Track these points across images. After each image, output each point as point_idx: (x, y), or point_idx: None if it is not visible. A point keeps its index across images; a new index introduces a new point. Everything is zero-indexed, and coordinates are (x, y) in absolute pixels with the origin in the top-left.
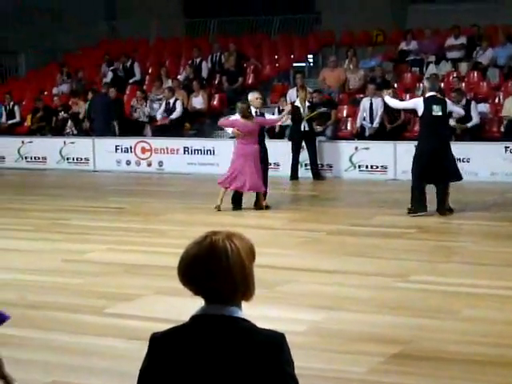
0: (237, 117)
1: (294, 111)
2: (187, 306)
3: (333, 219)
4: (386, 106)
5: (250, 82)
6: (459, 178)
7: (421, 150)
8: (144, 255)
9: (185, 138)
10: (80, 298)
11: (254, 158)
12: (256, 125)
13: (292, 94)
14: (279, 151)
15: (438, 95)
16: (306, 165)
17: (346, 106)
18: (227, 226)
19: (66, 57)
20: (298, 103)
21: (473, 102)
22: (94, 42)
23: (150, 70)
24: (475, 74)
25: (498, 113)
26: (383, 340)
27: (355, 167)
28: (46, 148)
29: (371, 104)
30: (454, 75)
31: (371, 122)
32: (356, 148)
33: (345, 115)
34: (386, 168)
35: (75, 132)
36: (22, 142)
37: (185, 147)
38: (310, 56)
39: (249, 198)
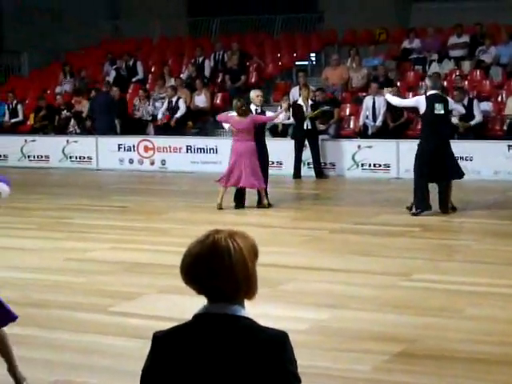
0: (233, 113)
1: (297, 110)
2: (190, 304)
3: (336, 218)
4: (388, 104)
5: (252, 80)
6: (461, 175)
7: (422, 149)
8: (147, 254)
9: (188, 136)
10: (83, 296)
11: (250, 155)
12: (251, 122)
13: (295, 92)
14: (282, 150)
15: (440, 93)
16: (308, 163)
17: (348, 105)
18: (230, 225)
19: (68, 56)
20: (300, 102)
21: (475, 101)
22: (96, 42)
23: (152, 69)
24: (478, 73)
25: (501, 111)
26: (387, 338)
27: (358, 166)
28: (49, 147)
29: (374, 102)
30: (457, 73)
31: (374, 120)
32: (359, 146)
33: (348, 114)
34: (388, 166)
35: (78, 131)
36: (25, 141)
37: (188, 146)
38: (313, 54)
39: (251, 197)
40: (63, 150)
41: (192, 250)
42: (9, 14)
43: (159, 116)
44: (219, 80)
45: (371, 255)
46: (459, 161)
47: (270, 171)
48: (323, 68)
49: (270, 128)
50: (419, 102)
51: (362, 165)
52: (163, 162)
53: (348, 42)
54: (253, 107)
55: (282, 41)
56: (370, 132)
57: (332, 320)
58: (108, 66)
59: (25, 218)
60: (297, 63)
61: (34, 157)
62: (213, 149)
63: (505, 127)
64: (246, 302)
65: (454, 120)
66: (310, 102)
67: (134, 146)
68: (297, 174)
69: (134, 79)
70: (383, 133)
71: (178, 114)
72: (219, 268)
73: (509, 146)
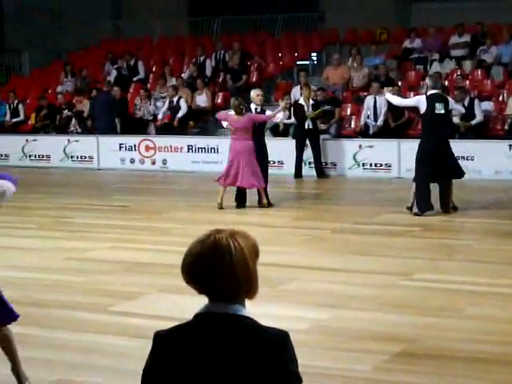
0: (232, 112)
1: (298, 109)
2: (191, 304)
3: (337, 217)
4: (389, 103)
5: (253, 80)
6: (462, 175)
7: (423, 149)
8: (147, 253)
9: (189, 136)
10: (83, 296)
11: (248, 155)
12: (248, 121)
13: (296, 92)
14: (283, 149)
15: (440, 93)
16: (309, 163)
17: (349, 104)
18: (231, 224)
19: (70, 55)
20: (301, 101)
21: (476, 100)
22: (98, 41)
23: (153, 69)
24: (479, 72)
25: (502, 111)
26: (387, 338)
27: (359, 165)
28: (50, 146)
29: (375, 102)
30: (458, 73)
31: (375, 119)
32: (360, 146)
33: (349, 113)
34: (389, 166)
35: (79, 130)
36: (26, 141)
37: (189, 145)
38: (314, 54)
39: (252, 196)
40: (64, 150)
41: (193, 250)
42: (10, 13)
43: (159, 116)
44: (220, 79)
45: (372, 255)
46: (460, 160)
47: (271, 171)
48: (324, 67)
49: (272, 128)
50: (420, 101)
51: (363, 164)
52: (164, 162)
53: (349, 42)
54: (253, 106)
55: (283, 40)
56: (371, 132)
57: (332, 320)
58: (109, 66)
59: (25, 218)
60: (298, 63)
61: (35, 156)
62: (214, 148)
63: (506, 127)
64: (247, 302)
65: (455, 120)
66: (311, 102)
67: (135, 146)
68: (298, 173)
69: (135, 79)
70: (384, 132)
71: (180, 114)
72: (220, 268)
73: (510, 145)
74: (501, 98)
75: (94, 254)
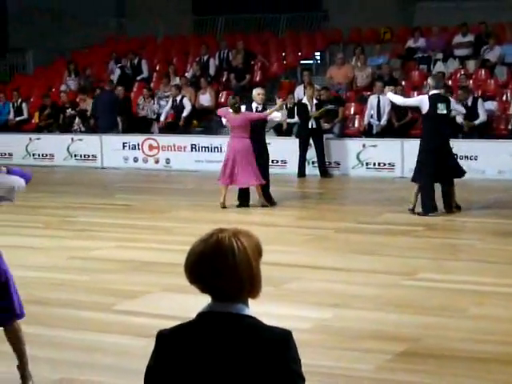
0: (231, 110)
1: (302, 109)
2: (194, 303)
3: (340, 217)
4: (393, 103)
5: (257, 79)
6: (463, 173)
7: (425, 149)
8: (151, 252)
9: (192, 135)
10: (86, 294)
11: (245, 153)
12: (244, 119)
13: (299, 91)
14: (286, 149)
15: (442, 93)
16: (313, 162)
17: (353, 104)
18: (234, 224)
19: (73, 54)
20: (305, 101)
21: (480, 100)
22: (101, 40)
23: (157, 68)
24: (483, 72)
25: (506, 110)
26: (390, 338)
27: (363, 165)
28: (54, 145)
29: (379, 101)
30: (462, 73)
31: (379, 119)
32: (363, 145)
33: (352, 113)
34: (393, 166)
35: (83, 129)
36: (30, 139)
37: (192, 144)
38: (318, 53)
39: (256, 196)
40: (68, 149)
41: (196, 249)
42: (14, 12)
43: (162, 118)
44: (224, 79)
45: (375, 254)
46: (464, 160)
47: (275, 170)
48: (328, 67)
49: (275, 127)
50: (422, 101)
51: (367, 164)
52: (168, 161)
53: (353, 41)
54: (254, 105)
55: (286, 39)
56: (374, 131)
57: (335, 319)
58: (113, 65)
59: (29, 217)
60: (301, 62)
61: (39, 155)
62: (217, 147)
63: (509, 126)
64: (250, 301)
65: (459, 119)
66: (314, 101)
67: (138, 145)
68: (301, 172)
69: (138, 78)
70: (388, 132)
71: (185, 113)
72: (223, 267)
73: None
74: (504, 98)
75: (98, 253)
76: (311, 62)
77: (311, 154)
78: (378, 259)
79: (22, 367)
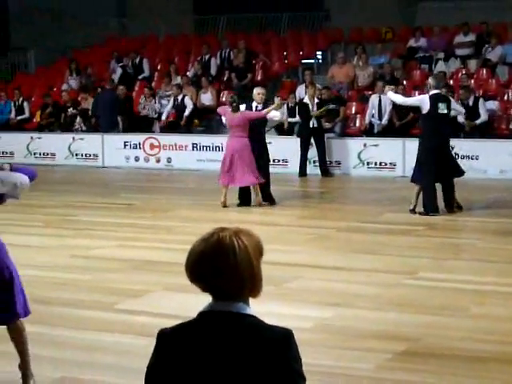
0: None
1: (303, 108)
2: (195, 302)
3: (341, 216)
4: (394, 102)
5: (258, 78)
6: (462, 173)
7: (425, 149)
8: (153, 251)
9: (193, 134)
10: (88, 294)
11: (243, 152)
12: (242, 118)
13: (301, 90)
14: (288, 148)
15: (443, 93)
16: (314, 162)
17: (354, 103)
18: (235, 223)
19: (74, 53)
20: (306, 100)
21: (481, 99)
22: (103, 39)
23: (159, 67)
24: (484, 72)
25: (507, 110)
26: (390, 337)
27: (364, 164)
28: (55, 144)
29: (380, 101)
30: (463, 72)
31: (380, 118)
32: (365, 145)
33: (353, 112)
34: (394, 165)
35: (84, 128)
36: (31, 138)
37: (193, 143)
38: (319, 53)
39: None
40: (69, 148)
41: (197, 248)
42: (15, 11)
43: (163, 117)
44: (225, 78)
45: (376, 253)
46: (465, 160)
47: (276, 169)
48: (329, 66)
49: (276, 126)
50: (423, 100)
51: (368, 163)
52: (169, 160)
53: (354, 41)
54: (254, 104)
55: (288, 39)
56: (375, 130)
57: (336, 318)
58: (114, 64)
59: (31, 215)
60: (303, 61)
61: (40, 154)
62: (219, 147)
63: (511, 126)
64: (251, 300)
65: (460, 119)
66: (316, 101)
67: (139, 144)
68: (302, 172)
69: (140, 77)
70: (389, 131)
71: (187, 112)
72: (224, 266)
73: None
74: (506, 98)
75: (100, 252)
76: (313, 61)
77: (312, 153)
78: (378, 258)
79: (24, 366)
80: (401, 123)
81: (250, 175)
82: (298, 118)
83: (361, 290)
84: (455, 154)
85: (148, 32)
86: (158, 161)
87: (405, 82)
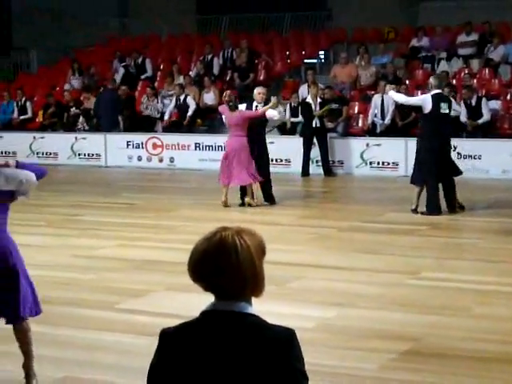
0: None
1: (306, 108)
2: (197, 301)
3: (343, 216)
4: (396, 102)
5: (261, 78)
6: (461, 172)
7: (426, 149)
8: (155, 251)
9: (196, 134)
10: (90, 293)
11: (242, 151)
12: (240, 118)
13: (303, 90)
14: (290, 147)
15: (445, 93)
16: (317, 161)
17: (357, 103)
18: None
19: (77, 53)
20: (309, 99)
21: (483, 99)
22: (105, 39)
23: (161, 67)
24: (487, 71)
25: (510, 110)
26: (393, 337)
27: (366, 164)
28: (58, 144)
29: (382, 100)
30: (466, 72)
31: (382, 118)
32: (367, 144)
33: (356, 112)
34: (397, 165)
35: (87, 128)
36: (34, 138)
37: (196, 143)
38: (322, 52)
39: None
40: (72, 147)
41: (199, 247)
42: (17, 11)
43: (166, 117)
44: (228, 78)
45: (378, 253)
46: (467, 159)
47: (279, 169)
48: (332, 66)
49: (279, 126)
50: (425, 100)
51: (371, 163)
52: (172, 160)
53: (357, 40)
54: (254, 104)
55: (290, 39)
56: (378, 130)
57: (338, 318)
58: (117, 64)
59: (33, 215)
60: (305, 61)
61: (43, 154)
62: (221, 146)
63: None
64: (253, 300)
65: (462, 118)
66: (318, 100)
67: (142, 144)
68: (305, 171)
69: (142, 77)
70: (392, 131)
71: (190, 112)
72: (226, 265)
73: None
74: (508, 97)
75: (102, 252)
76: (315, 61)
77: (315, 152)
78: (381, 258)
79: (27, 366)
80: (403, 123)
81: (247, 174)
82: (300, 118)
83: (363, 289)
84: (457, 153)
85: (150, 32)
86: (161, 160)
87: (407, 82)
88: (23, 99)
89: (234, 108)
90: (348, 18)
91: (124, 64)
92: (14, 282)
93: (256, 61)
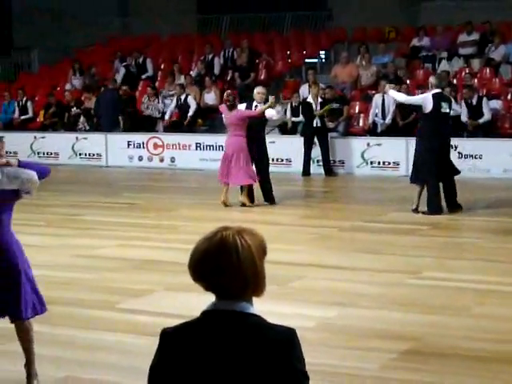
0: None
1: (306, 107)
2: (198, 301)
3: (344, 215)
4: (397, 101)
5: (262, 78)
6: (459, 172)
7: (427, 148)
8: (156, 251)
9: (197, 133)
10: (91, 293)
11: (238, 151)
12: (238, 117)
13: (304, 90)
14: (291, 147)
15: (445, 92)
16: (318, 161)
17: (358, 102)
18: (238, 222)
19: (78, 53)
20: (310, 99)
21: (484, 99)
22: (106, 39)
23: (162, 66)
24: (487, 71)
25: (511, 109)
26: (394, 336)
27: (367, 163)
28: (59, 143)
29: (383, 100)
30: (467, 71)
31: (383, 118)
32: (368, 144)
33: (357, 111)
34: (397, 164)
35: (87, 127)
36: (35, 138)
37: (197, 143)
38: (322, 52)
39: (261, 196)
40: (73, 147)
41: (200, 247)
42: (18, 11)
43: (166, 116)
44: (228, 77)
45: (379, 253)
46: (468, 159)
47: (279, 168)
48: (332, 66)
49: (280, 125)
50: (426, 99)
51: (371, 162)
52: (172, 160)
53: (357, 40)
54: (254, 104)
55: (291, 38)
56: (379, 130)
57: (339, 318)
58: (118, 63)
59: (34, 215)
60: (306, 61)
61: (44, 153)
62: (222, 146)
63: None
64: (254, 299)
65: (463, 118)
66: (319, 100)
67: (143, 143)
68: (306, 171)
69: (143, 76)
70: (392, 130)
71: (191, 112)
72: (227, 265)
73: None
74: (509, 97)
75: (102, 252)
76: (316, 60)
77: (316, 152)
78: (382, 258)
79: (29, 366)
80: (404, 122)
81: (245, 175)
82: (301, 118)
83: (364, 289)
84: (458, 153)
85: (150, 32)
86: (162, 160)
87: (408, 82)
88: (24, 99)
89: (231, 107)
90: (348, 17)
91: (125, 64)
92: (16, 281)
93: (257, 60)
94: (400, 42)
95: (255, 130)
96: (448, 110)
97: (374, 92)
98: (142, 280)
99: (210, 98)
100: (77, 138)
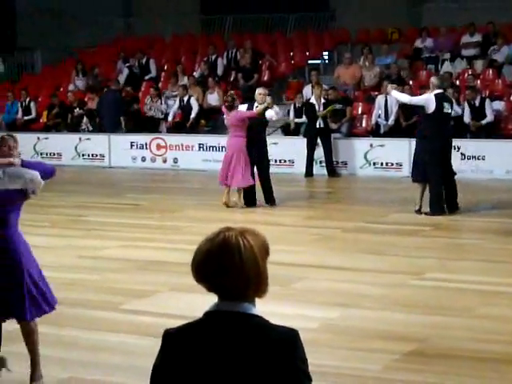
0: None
1: (309, 108)
2: (201, 302)
3: (347, 216)
4: (400, 102)
5: (265, 78)
6: (454, 173)
7: (430, 149)
8: (159, 252)
9: (200, 134)
10: (95, 294)
11: (240, 152)
12: (237, 117)
13: (307, 91)
14: (294, 148)
15: (446, 93)
16: (321, 162)
17: (361, 103)
18: (240, 223)
19: (81, 54)
20: (313, 100)
21: (487, 100)
22: (109, 40)
23: (165, 67)
24: (490, 72)
25: None
26: (397, 337)
27: (370, 164)
28: (62, 144)
29: (386, 101)
30: (469, 73)
31: (386, 119)
32: (371, 145)
33: (360, 112)
34: (400, 165)
35: (91, 128)
36: (38, 138)
37: (200, 144)
38: (326, 53)
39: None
40: (76, 148)
41: (203, 248)
42: (22, 12)
43: (169, 117)
44: (232, 78)
45: (382, 254)
46: (471, 160)
47: (282, 169)
48: (336, 66)
49: (283, 126)
50: (429, 100)
51: (374, 163)
52: (175, 160)
53: (360, 41)
54: (255, 105)
55: (294, 39)
56: (382, 131)
57: (342, 319)
58: (121, 64)
59: (38, 216)
60: (309, 62)
61: (47, 154)
62: (225, 147)
63: None
64: (257, 300)
65: (466, 119)
66: (322, 101)
67: (146, 144)
68: (309, 172)
69: (146, 77)
70: (395, 131)
71: (193, 114)
72: (229, 265)
73: None
74: None
75: (106, 253)
76: (319, 61)
77: (319, 153)
78: (385, 259)
79: (34, 366)
80: (407, 123)
81: (242, 176)
82: (304, 119)
83: (367, 290)
84: (461, 154)
85: (154, 32)
86: (165, 161)
87: (411, 83)
88: (27, 100)
89: (230, 108)
90: (351, 18)
91: (128, 64)
92: (19, 281)
93: (260, 61)
94: (403, 43)
95: (256, 131)
96: (450, 111)
97: (377, 93)
98: (146, 281)
99: (213, 98)
100: (80, 138)
